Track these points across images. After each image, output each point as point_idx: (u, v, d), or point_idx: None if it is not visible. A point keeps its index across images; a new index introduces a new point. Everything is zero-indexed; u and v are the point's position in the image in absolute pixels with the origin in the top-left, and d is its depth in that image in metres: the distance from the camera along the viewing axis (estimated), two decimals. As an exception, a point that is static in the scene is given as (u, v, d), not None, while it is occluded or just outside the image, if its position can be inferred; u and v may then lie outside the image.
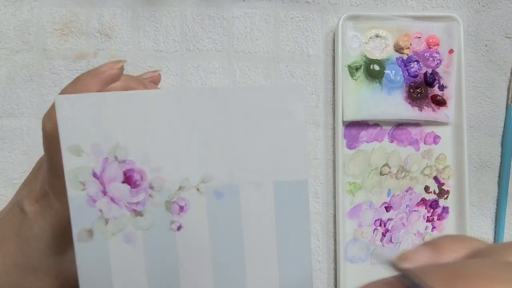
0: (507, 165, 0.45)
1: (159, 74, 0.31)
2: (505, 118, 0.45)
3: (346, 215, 0.43)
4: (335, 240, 0.43)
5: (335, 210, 0.43)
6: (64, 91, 0.26)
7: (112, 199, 0.21)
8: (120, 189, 0.21)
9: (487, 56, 0.45)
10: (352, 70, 0.43)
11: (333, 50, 0.44)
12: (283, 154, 0.21)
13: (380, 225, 0.44)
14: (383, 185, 0.44)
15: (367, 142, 0.44)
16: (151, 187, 0.21)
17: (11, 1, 0.42)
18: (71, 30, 0.42)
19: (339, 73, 0.42)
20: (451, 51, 0.43)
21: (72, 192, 0.21)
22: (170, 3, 0.43)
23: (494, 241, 0.45)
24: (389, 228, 0.44)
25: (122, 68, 0.26)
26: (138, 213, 0.21)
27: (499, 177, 0.45)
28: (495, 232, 0.45)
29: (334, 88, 0.44)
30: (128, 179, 0.21)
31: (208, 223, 0.22)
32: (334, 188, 0.43)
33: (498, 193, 0.45)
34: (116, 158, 0.21)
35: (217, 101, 0.20)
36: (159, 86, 0.32)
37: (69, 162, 0.21)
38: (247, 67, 0.43)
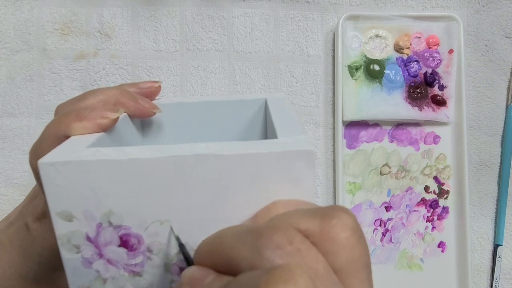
0: (507, 165, 0.45)
1: (160, 86, 0.29)
2: (505, 118, 0.45)
3: (346, 215, 0.43)
4: (335, 240, 0.43)
5: (335, 210, 0.43)
6: (48, 128, 0.23)
7: (109, 261, 0.20)
8: (117, 252, 0.20)
9: (487, 56, 0.45)
10: (352, 70, 0.43)
11: (333, 50, 0.44)
12: None
13: (380, 225, 0.44)
14: (383, 185, 0.44)
15: (367, 142, 0.44)
16: (149, 251, 0.20)
17: (11, 1, 0.42)
18: (71, 30, 0.42)
19: (339, 73, 0.42)
20: (451, 51, 0.43)
21: (66, 255, 0.20)
22: (170, 3, 0.43)
23: (494, 241, 0.45)
24: (389, 228, 0.44)
25: (115, 120, 0.24)
26: (137, 274, 0.21)
27: (499, 177, 0.45)
28: (495, 232, 0.45)
29: (334, 88, 0.44)
30: (124, 243, 0.20)
31: None
32: (334, 188, 0.43)
33: (498, 193, 0.45)
34: (110, 223, 0.19)
35: (219, 169, 0.19)
36: (157, 97, 0.30)
37: (60, 227, 0.19)
38: (247, 67, 0.43)
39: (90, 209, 0.19)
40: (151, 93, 0.29)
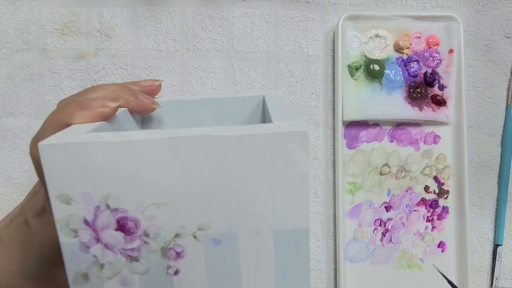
0: (507, 165, 0.45)
1: (160, 85, 0.30)
2: (505, 118, 0.45)
3: (346, 215, 0.43)
4: (335, 240, 0.43)
5: (335, 210, 0.43)
6: (49, 117, 0.24)
7: (106, 246, 0.20)
8: (114, 237, 0.20)
9: (487, 56, 0.45)
10: (352, 70, 0.43)
11: (333, 50, 0.44)
12: (284, 202, 0.20)
13: (380, 225, 0.44)
14: (383, 185, 0.44)
15: (367, 142, 0.44)
16: (146, 235, 0.20)
17: (11, 1, 0.42)
18: (71, 30, 0.42)
19: (339, 73, 0.42)
20: (451, 51, 0.43)
21: (64, 239, 0.20)
22: (170, 3, 0.43)
23: (494, 241, 0.45)
24: (389, 228, 0.44)
25: (116, 108, 0.24)
26: (134, 259, 0.21)
27: (499, 177, 0.45)
28: (495, 232, 0.45)
29: (334, 88, 0.44)
30: (121, 227, 0.20)
31: (206, 269, 0.21)
32: (334, 188, 0.43)
33: (498, 193, 0.45)
34: (108, 206, 0.20)
35: (214, 149, 0.19)
36: (158, 96, 0.30)
37: (59, 210, 0.20)
38: (247, 67, 0.43)
39: (88, 192, 0.19)
40: (152, 91, 0.29)
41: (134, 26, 0.43)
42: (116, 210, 0.20)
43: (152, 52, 0.43)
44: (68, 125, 0.23)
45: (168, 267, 0.21)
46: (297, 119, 0.21)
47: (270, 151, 0.19)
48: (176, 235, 0.20)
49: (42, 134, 0.23)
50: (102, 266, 0.21)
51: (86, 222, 0.20)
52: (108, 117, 0.24)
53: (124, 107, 0.26)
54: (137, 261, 0.21)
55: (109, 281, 0.21)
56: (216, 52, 0.43)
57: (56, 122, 0.23)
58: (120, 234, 0.20)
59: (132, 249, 0.21)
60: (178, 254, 0.21)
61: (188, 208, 0.20)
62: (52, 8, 0.42)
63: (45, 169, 0.19)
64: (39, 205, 0.27)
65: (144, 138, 0.19)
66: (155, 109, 0.27)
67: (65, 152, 0.19)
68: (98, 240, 0.20)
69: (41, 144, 0.19)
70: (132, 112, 0.27)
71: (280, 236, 0.21)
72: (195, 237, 0.21)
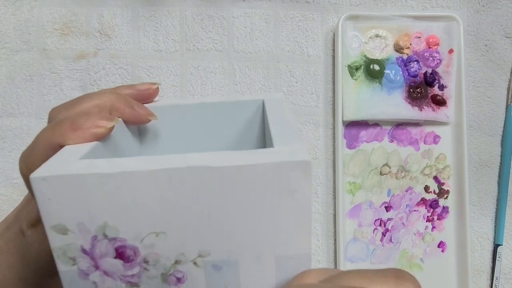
0: (507, 165, 0.45)
1: (157, 88, 0.29)
2: (505, 118, 0.45)
3: (346, 215, 0.43)
4: (335, 240, 0.43)
5: (335, 210, 0.43)
6: (41, 135, 0.23)
7: (105, 273, 0.20)
8: (113, 264, 0.20)
9: (487, 56, 0.45)
10: (352, 70, 0.43)
11: (333, 50, 0.44)
12: (286, 229, 0.20)
13: (380, 225, 0.44)
14: (383, 185, 0.44)
15: (367, 142, 0.44)
16: (146, 262, 0.20)
17: (11, 1, 0.42)
18: (71, 30, 0.42)
19: (339, 73, 0.42)
20: (451, 51, 0.43)
21: (62, 267, 0.20)
22: (170, 3, 0.43)
23: (494, 240, 0.45)
24: (389, 228, 0.44)
25: (111, 129, 0.23)
26: (134, 285, 0.20)
27: (499, 177, 0.45)
28: (495, 232, 0.45)
29: (334, 88, 0.44)
30: (120, 255, 0.20)
31: None
32: (334, 188, 0.43)
33: (498, 193, 0.45)
34: (105, 236, 0.19)
35: (213, 179, 0.18)
36: (156, 99, 0.29)
37: (55, 240, 0.19)
38: (247, 67, 0.43)
39: (84, 222, 0.19)
40: (149, 95, 0.28)
41: (134, 26, 0.43)
42: (114, 239, 0.19)
43: (152, 52, 0.43)
44: (61, 146, 0.22)
45: None
46: (298, 140, 0.20)
47: (272, 180, 0.19)
48: (176, 262, 0.20)
49: (32, 153, 0.23)
50: None
51: (83, 250, 0.20)
52: (103, 137, 0.23)
53: (119, 117, 0.25)
54: (138, 287, 0.21)
55: None
56: (216, 52, 0.43)
57: (48, 142, 0.22)
58: (119, 262, 0.20)
59: (132, 276, 0.20)
60: (179, 280, 0.21)
61: (187, 236, 0.20)
62: (52, 8, 0.42)
63: (38, 200, 0.19)
64: (33, 215, 0.26)
65: (140, 168, 0.18)
66: (150, 120, 0.27)
67: (58, 184, 0.18)
68: (97, 267, 0.20)
69: (32, 177, 0.18)
70: (127, 123, 0.26)
71: (281, 261, 0.21)
72: (195, 263, 0.20)
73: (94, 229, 0.19)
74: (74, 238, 0.19)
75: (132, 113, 0.26)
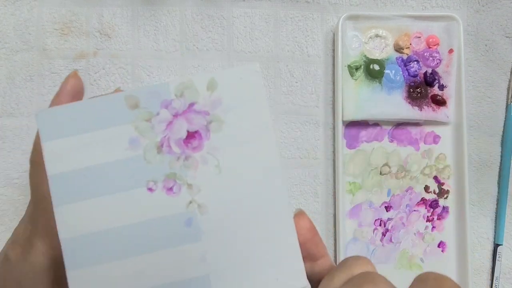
0: (507, 165, 0.45)
1: (75, 73, 0.29)
2: (505, 118, 0.45)
3: (346, 215, 0.43)
4: (335, 240, 0.43)
5: (335, 210, 0.43)
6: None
7: None
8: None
9: (487, 56, 0.45)
10: (352, 70, 0.43)
11: (333, 50, 0.44)
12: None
13: (380, 225, 0.44)
14: (383, 184, 0.44)
15: (367, 142, 0.44)
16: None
17: (11, 1, 0.42)
18: (71, 30, 0.42)
19: (339, 73, 0.42)
20: (451, 51, 0.43)
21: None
22: (170, 2, 0.43)
23: (494, 240, 0.45)
24: (389, 228, 0.44)
25: (76, 73, 0.25)
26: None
27: (499, 177, 0.45)
28: (495, 232, 0.45)
29: (334, 88, 0.44)
30: None
31: None
32: (334, 188, 0.43)
33: (498, 193, 0.45)
34: None
35: None
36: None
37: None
38: (247, 67, 0.43)
39: None
40: (75, 88, 0.29)
41: (134, 26, 0.43)
42: None
43: (152, 51, 0.43)
44: None
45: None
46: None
47: None
48: None
49: (36, 152, 0.23)
50: None
51: None
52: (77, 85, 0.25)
53: None
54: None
55: None
56: (216, 51, 0.43)
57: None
58: None
59: None
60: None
61: None
62: (52, 8, 0.42)
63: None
64: (20, 233, 0.26)
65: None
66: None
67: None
68: None
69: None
70: None
71: None
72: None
73: None
74: None
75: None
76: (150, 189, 0.21)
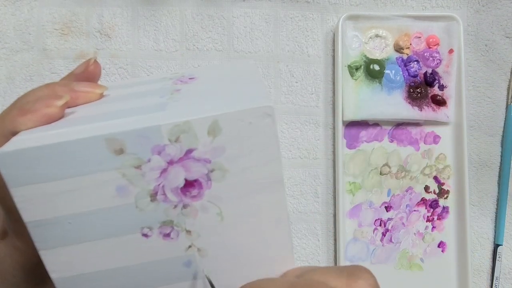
0: (507, 165, 0.45)
1: (96, 62, 0.26)
2: (505, 118, 0.45)
3: (346, 215, 0.43)
4: (335, 240, 0.43)
5: (335, 210, 0.43)
6: None
7: None
8: None
9: (487, 56, 0.45)
10: (352, 70, 0.43)
11: (333, 50, 0.44)
12: None
13: (380, 225, 0.44)
14: (383, 185, 0.44)
15: (367, 142, 0.44)
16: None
17: (11, 1, 0.42)
18: (71, 30, 0.42)
19: (339, 73, 0.42)
20: (451, 51, 0.43)
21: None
22: (170, 2, 0.43)
23: (494, 240, 0.45)
24: (389, 228, 0.44)
25: (63, 107, 0.21)
26: None
27: (499, 177, 0.45)
28: (495, 232, 0.45)
29: (334, 88, 0.44)
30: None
31: None
32: (334, 188, 0.43)
33: (498, 193, 0.45)
34: None
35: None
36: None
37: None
38: (247, 67, 0.43)
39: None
40: (90, 74, 0.26)
41: (134, 26, 0.43)
42: None
43: (152, 52, 0.43)
44: (13, 133, 0.21)
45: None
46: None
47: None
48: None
49: None
50: None
51: None
52: (56, 118, 0.21)
53: (70, 106, 0.23)
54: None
55: None
56: (216, 52, 0.43)
57: (0, 133, 0.21)
58: None
59: None
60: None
61: None
62: (52, 8, 0.42)
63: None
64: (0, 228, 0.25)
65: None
66: (100, 93, 0.24)
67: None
68: None
69: None
70: (75, 105, 0.24)
71: None
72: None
73: None
74: None
75: (75, 95, 0.23)
76: (145, 235, 0.19)
